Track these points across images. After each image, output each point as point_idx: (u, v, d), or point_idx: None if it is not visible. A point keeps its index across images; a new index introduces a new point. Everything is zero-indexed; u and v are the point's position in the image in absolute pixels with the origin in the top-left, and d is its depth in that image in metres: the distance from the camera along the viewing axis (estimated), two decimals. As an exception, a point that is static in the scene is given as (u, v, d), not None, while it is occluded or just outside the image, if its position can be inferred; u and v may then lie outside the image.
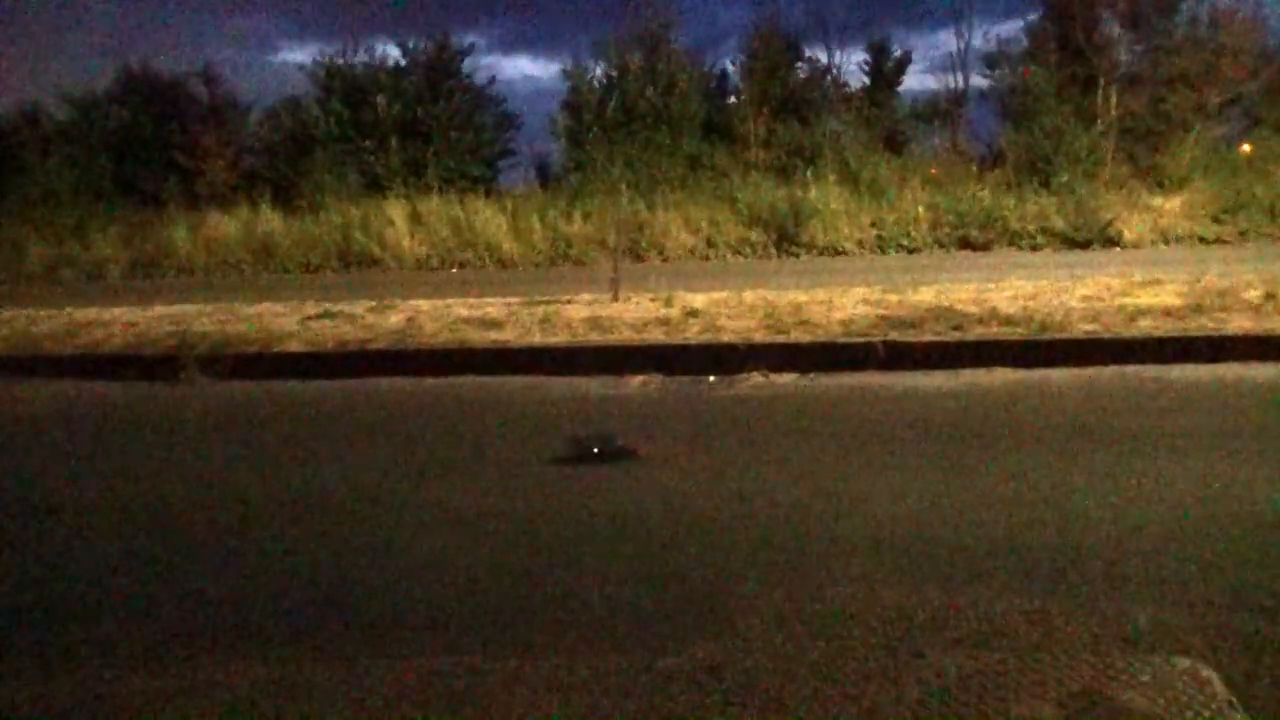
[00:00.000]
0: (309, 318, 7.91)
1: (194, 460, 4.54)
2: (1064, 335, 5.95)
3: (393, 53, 19.54)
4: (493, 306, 8.17)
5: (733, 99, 19.97)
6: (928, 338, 6.00)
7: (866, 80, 20.82)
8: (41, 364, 6.80)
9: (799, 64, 20.25)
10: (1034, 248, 13.90)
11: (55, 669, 2.46)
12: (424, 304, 8.57)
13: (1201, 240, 13.76)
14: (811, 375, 5.83)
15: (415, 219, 15.37)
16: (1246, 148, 17.24)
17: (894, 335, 6.07)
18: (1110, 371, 5.56)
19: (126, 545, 3.35)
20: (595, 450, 4.13)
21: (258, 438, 4.99)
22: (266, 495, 3.88)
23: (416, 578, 2.97)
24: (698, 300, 7.96)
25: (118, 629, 2.68)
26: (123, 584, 3.01)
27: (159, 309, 9.03)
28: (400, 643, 2.54)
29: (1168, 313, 6.48)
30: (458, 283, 11.73)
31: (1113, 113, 17.56)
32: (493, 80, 20.14)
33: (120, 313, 8.82)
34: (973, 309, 6.84)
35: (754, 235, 14.51)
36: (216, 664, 2.44)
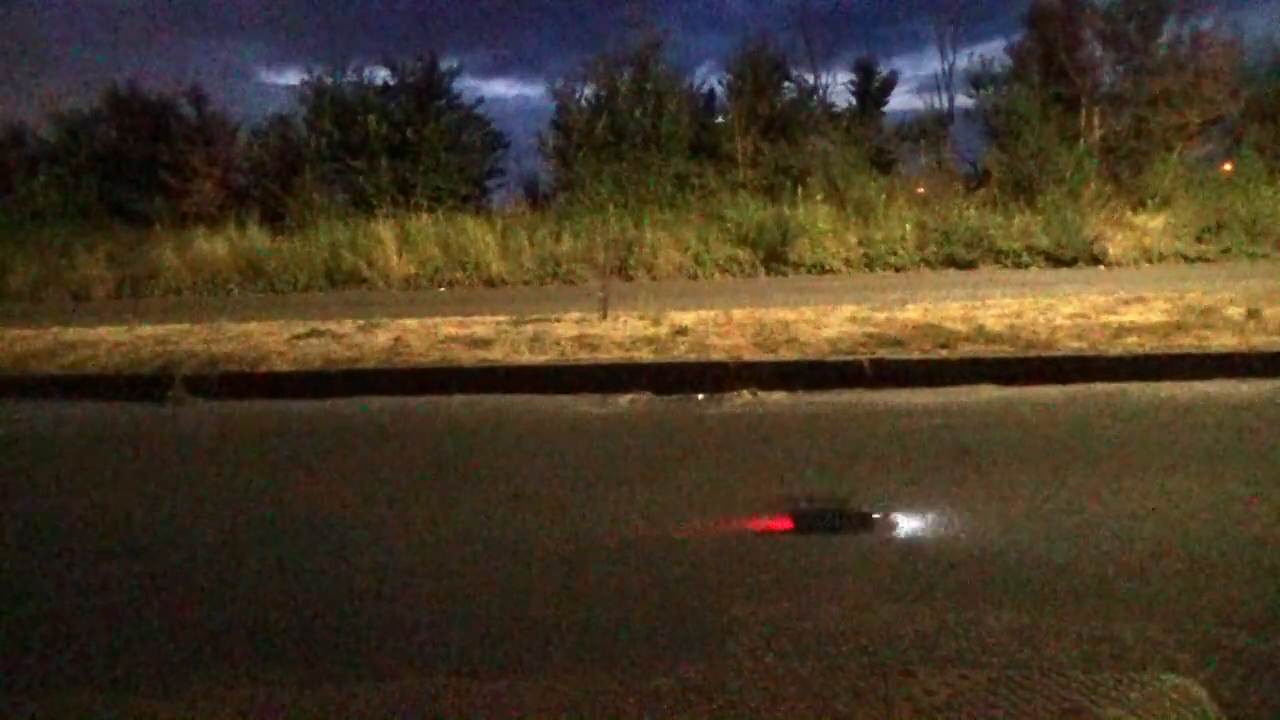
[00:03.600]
0: (297, 337, 7.89)
1: (180, 482, 4.50)
2: (1050, 353, 5.98)
3: (381, 73, 19.59)
4: (481, 325, 8.16)
5: (720, 119, 20.10)
6: (915, 356, 6.03)
7: (853, 100, 21.02)
8: (26, 384, 6.74)
9: (786, 84, 20.42)
10: (1019, 266, 14.01)
11: (36, 695, 2.43)
12: (412, 323, 8.55)
13: (1184, 258, 13.90)
14: (800, 393, 5.84)
15: (404, 238, 15.36)
16: (1228, 167, 17.44)
17: (882, 353, 6.09)
18: (1096, 389, 5.60)
19: (110, 568, 3.32)
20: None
21: (245, 458, 4.96)
22: (251, 517, 3.85)
23: (404, 598, 2.95)
24: (686, 318, 7.97)
25: (99, 655, 2.65)
26: (105, 608, 2.97)
27: (146, 328, 8.99)
28: (387, 664, 2.52)
29: (1153, 330, 6.54)
30: (446, 301, 11.73)
31: (1096, 132, 17.77)
32: (480, 100, 20.22)
33: (106, 332, 8.77)
34: (960, 327, 6.87)
35: (742, 254, 14.57)
36: (201, 689, 2.41)
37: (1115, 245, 13.99)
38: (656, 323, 7.79)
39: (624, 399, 5.90)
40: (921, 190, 17.04)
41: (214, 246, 15.72)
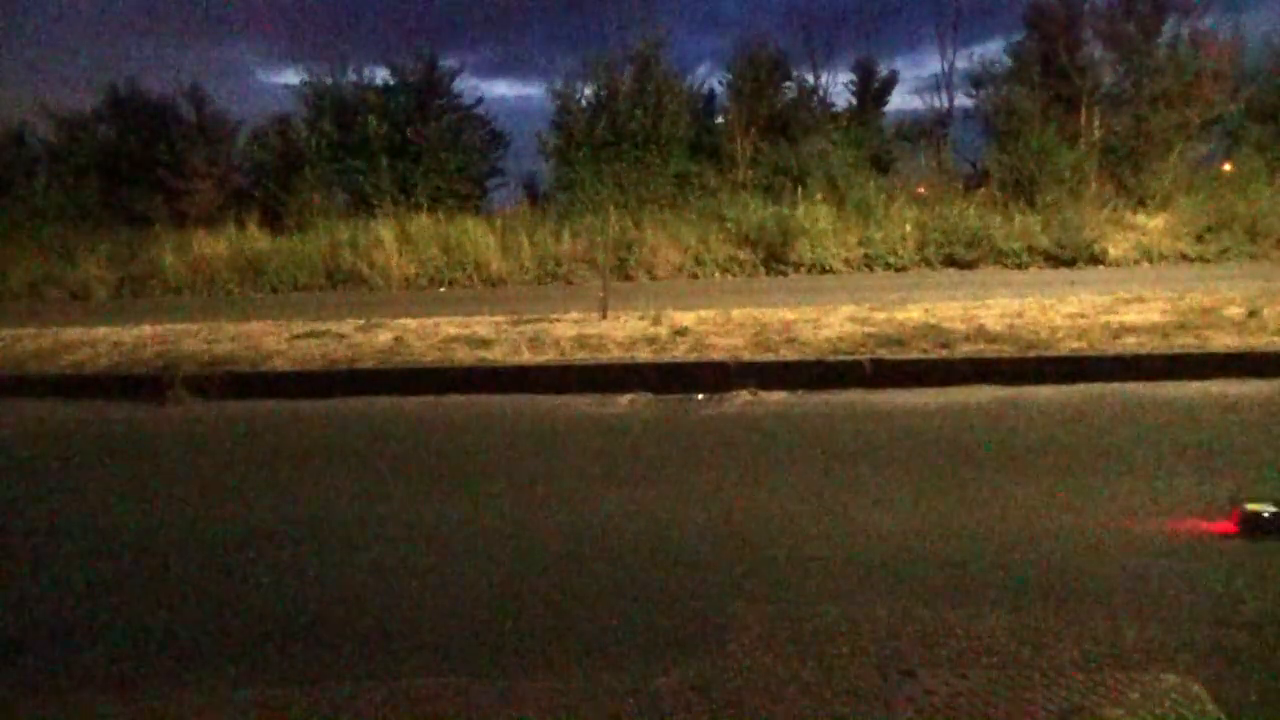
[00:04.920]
0: (297, 337, 7.89)
1: (179, 482, 4.50)
2: (1050, 353, 5.98)
3: (381, 73, 19.58)
4: (481, 325, 8.16)
5: (720, 119, 20.09)
6: (915, 355, 6.03)
7: (853, 100, 21.00)
8: (25, 383, 6.74)
9: (786, 84, 20.39)
10: (1020, 266, 14.01)
11: (33, 695, 2.43)
12: (412, 323, 8.55)
13: (1184, 258, 13.90)
14: (800, 393, 5.84)
15: (404, 238, 15.36)
16: (1228, 167, 17.43)
17: (882, 353, 6.09)
18: (1096, 388, 5.59)
19: (108, 569, 3.32)
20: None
21: (244, 459, 4.96)
22: (251, 517, 3.85)
23: (405, 598, 2.95)
24: (686, 318, 7.97)
25: (97, 655, 2.65)
26: (103, 609, 2.98)
27: (146, 328, 8.98)
28: (388, 664, 2.52)
29: (1152, 330, 6.53)
30: (446, 301, 11.72)
31: (1096, 132, 17.76)
32: (480, 100, 20.20)
33: (106, 332, 8.77)
34: (960, 327, 6.87)
35: (742, 254, 14.56)
36: (199, 690, 2.41)
37: (1115, 245, 13.99)
38: (656, 323, 7.79)
39: (624, 399, 5.90)
40: (921, 190, 17.04)
41: (214, 246, 15.71)
